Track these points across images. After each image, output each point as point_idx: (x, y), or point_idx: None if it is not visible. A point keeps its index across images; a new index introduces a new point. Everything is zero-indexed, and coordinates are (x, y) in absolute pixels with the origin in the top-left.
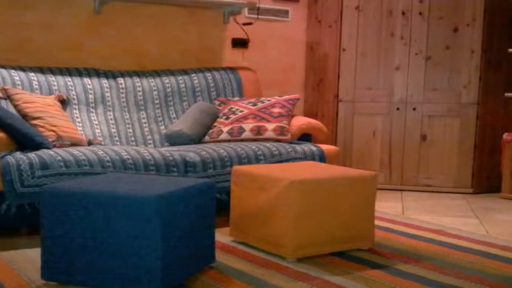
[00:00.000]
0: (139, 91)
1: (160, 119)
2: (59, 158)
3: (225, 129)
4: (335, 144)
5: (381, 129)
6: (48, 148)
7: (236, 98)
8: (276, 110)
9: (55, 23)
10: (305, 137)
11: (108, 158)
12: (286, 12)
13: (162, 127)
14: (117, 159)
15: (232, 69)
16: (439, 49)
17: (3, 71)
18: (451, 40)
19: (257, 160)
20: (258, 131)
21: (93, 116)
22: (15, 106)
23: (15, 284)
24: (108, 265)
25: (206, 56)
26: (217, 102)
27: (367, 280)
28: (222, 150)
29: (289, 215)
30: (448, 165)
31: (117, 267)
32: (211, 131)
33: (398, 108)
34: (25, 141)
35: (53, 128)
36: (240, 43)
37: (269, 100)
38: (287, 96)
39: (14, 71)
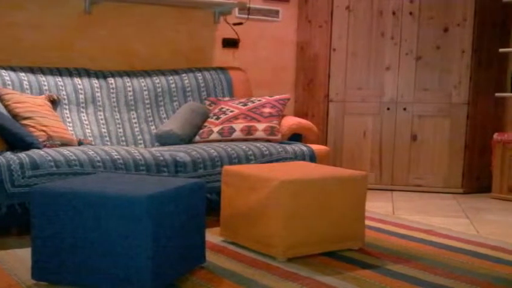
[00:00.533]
0: (129, 91)
1: (151, 119)
2: (50, 158)
3: (216, 129)
4: (325, 144)
5: (371, 129)
6: (38, 148)
7: (226, 98)
8: (267, 110)
9: (45, 23)
10: (295, 137)
11: (98, 158)
12: (277, 12)
13: (153, 127)
14: (107, 159)
15: (223, 69)
16: (430, 49)
17: None
18: (442, 40)
19: (247, 160)
20: (249, 131)
21: (83, 116)
22: (5, 106)
23: (6, 284)
24: (98, 265)
25: (196, 56)
26: (207, 102)
27: (357, 280)
28: (212, 150)
29: (280, 215)
30: (438, 165)
31: (108, 267)
32: (201, 131)
33: (388, 108)
34: (15, 141)
35: (44, 128)
36: (231, 43)
37: (259, 100)
38: (277, 96)
39: (4, 71)
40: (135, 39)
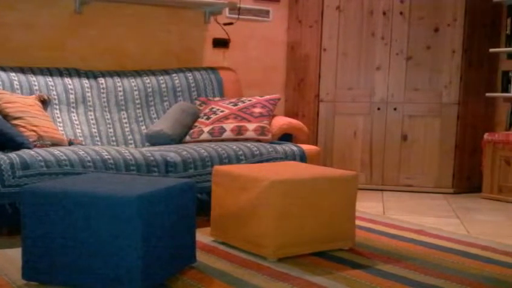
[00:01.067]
0: (120, 91)
1: (141, 119)
2: (40, 158)
3: (206, 129)
4: (316, 144)
5: (362, 129)
6: (29, 148)
7: (217, 98)
8: (257, 110)
9: (36, 23)
10: (286, 137)
11: (89, 158)
12: (267, 12)
13: (143, 127)
14: (98, 159)
15: (213, 69)
16: (420, 49)
17: None
18: (432, 40)
19: (238, 160)
20: (239, 131)
21: (74, 116)
22: None
23: None
24: (88, 265)
25: (187, 56)
26: (198, 102)
27: (348, 280)
28: (202, 150)
29: (270, 215)
30: (429, 165)
31: (98, 267)
32: (192, 131)
33: (379, 108)
34: (6, 141)
35: (34, 128)
36: (221, 43)
37: (250, 100)
38: (268, 96)
39: None
40: (125, 39)
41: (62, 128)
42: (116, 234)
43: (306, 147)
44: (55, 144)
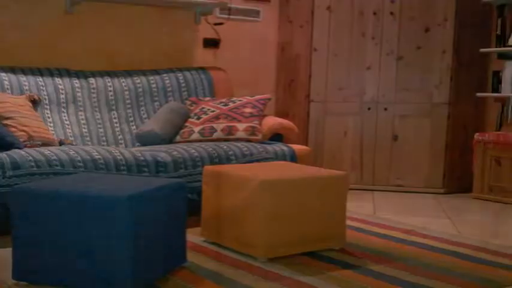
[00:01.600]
0: (110, 91)
1: (132, 119)
2: (30, 158)
3: (196, 129)
4: (306, 144)
5: (352, 129)
6: (19, 148)
7: (207, 98)
8: (247, 110)
9: (26, 22)
10: (276, 137)
11: (79, 158)
12: (258, 12)
13: (133, 127)
14: (88, 160)
15: (204, 69)
16: (411, 49)
17: None
18: (423, 40)
19: (228, 160)
20: (229, 131)
21: (64, 116)
22: None
23: None
24: (79, 265)
25: (177, 56)
26: (188, 102)
27: (338, 280)
28: (193, 150)
29: (260, 215)
30: (419, 165)
31: (88, 268)
32: (182, 131)
33: (369, 108)
34: None
35: (24, 128)
36: (212, 43)
37: (240, 100)
38: (258, 96)
39: None
40: (116, 39)
41: (52, 128)
42: (107, 235)
43: (297, 147)
44: (45, 144)
